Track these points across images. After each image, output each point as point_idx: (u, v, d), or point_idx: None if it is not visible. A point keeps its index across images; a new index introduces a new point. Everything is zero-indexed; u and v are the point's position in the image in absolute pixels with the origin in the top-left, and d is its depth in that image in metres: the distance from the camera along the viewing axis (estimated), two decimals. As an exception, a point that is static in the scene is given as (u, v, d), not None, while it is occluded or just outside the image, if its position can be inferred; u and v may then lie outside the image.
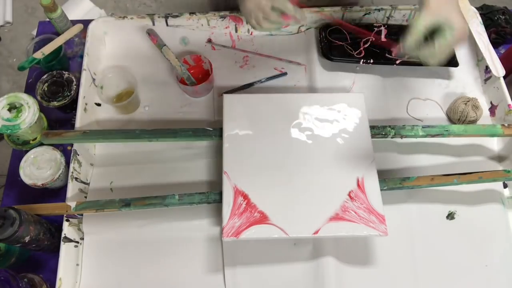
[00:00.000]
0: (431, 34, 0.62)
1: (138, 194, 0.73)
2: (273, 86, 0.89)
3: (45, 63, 0.89)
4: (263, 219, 0.67)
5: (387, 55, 0.92)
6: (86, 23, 0.91)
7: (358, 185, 0.70)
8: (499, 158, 0.85)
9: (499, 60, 0.89)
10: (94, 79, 0.87)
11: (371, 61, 0.89)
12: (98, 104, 0.87)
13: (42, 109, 0.83)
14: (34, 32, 1.61)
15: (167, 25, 0.92)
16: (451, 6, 0.61)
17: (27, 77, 0.94)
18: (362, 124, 0.76)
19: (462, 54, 0.95)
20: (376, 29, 0.94)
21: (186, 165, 0.81)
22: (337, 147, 0.74)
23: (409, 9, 0.94)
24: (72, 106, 0.85)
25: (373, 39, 0.91)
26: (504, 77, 0.87)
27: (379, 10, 0.93)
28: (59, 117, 0.89)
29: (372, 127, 0.78)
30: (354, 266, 0.74)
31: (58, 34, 0.92)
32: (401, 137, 0.79)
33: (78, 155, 0.77)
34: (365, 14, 0.94)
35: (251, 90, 0.89)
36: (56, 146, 0.80)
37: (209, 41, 0.95)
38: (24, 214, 0.63)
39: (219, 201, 0.70)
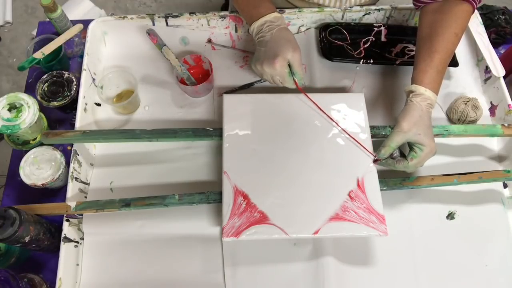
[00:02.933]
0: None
1: (138, 194, 0.73)
2: (273, 86, 0.89)
3: (45, 63, 0.89)
4: (263, 219, 0.67)
5: (387, 55, 0.92)
6: (86, 23, 0.91)
7: (358, 185, 0.70)
8: (499, 158, 0.85)
9: (499, 60, 0.89)
10: (94, 79, 0.87)
11: (371, 61, 0.89)
12: (98, 104, 0.87)
13: (42, 109, 0.83)
14: (34, 32, 1.61)
15: (167, 25, 0.92)
16: (421, 128, 0.69)
17: (27, 77, 0.94)
18: (362, 124, 0.76)
19: (462, 54, 0.95)
20: (376, 29, 0.94)
21: (186, 165, 0.81)
22: (337, 147, 0.74)
23: (409, 9, 0.94)
24: (72, 106, 0.85)
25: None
26: (504, 77, 0.87)
27: (379, 10, 0.93)
28: (59, 117, 0.89)
29: (372, 127, 0.78)
30: (354, 266, 0.74)
31: (58, 34, 0.92)
32: (401, 137, 0.79)
33: (78, 155, 0.77)
34: (365, 14, 0.94)
35: (251, 90, 0.89)
36: (56, 146, 0.80)
37: (209, 41, 0.95)
38: (24, 214, 0.63)
39: (219, 201, 0.70)
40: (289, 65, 0.76)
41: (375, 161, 0.73)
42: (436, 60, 0.72)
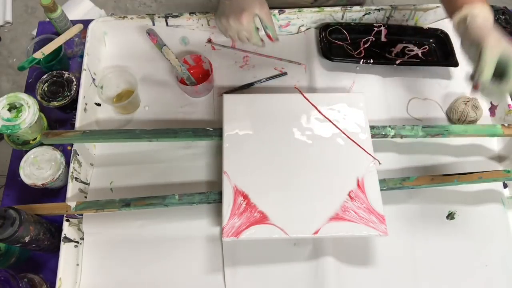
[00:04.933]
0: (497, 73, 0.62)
1: (138, 194, 0.73)
2: (273, 86, 0.89)
3: (45, 63, 0.89)
4: (263, 219, 0.67)
5: (387, 55, 0.92)
6: (86, 23, 0.91)
7: (358, 185, 0.70)
8: (499, 158, 0.85)
9: (499, 60, 0.89)
10: (94, 79, 0.87)
11: (371, 61, 0.89)
12: (98, 104, 0.87)
13: (42, 109, 0.83)
14: (34, 32, 1.61)
15: (167, 25, 0.92)
16: (506, 42, 0.61)
17: (27, 77, 0.94)
18: (362, 124, 0.76)
19: (462, 54, 0.94)
20: (376, 29, 0.94)
21: (186, 165, 0.81)
22: (337, 147, 0.74)
23: (409, 9, 0.94)
24: (72, 106, 0.85)
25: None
26: (504, 77, 0.87)
27: (379, 10, 0.93)
28: (59, 117, 0.89)
29: (372, 127, 0.78)
30: (354, 266, 0.74)
31: (58, 34, 0.92)
32: (401, 137, 0.79)
33: (78, 155, 0.77)
34: (365, 14, 0.94)
35: (251, 90, 0.89)
36: (56, 146, 0.80)
37: (209, 41, 0.95)
38: (24, 214, 0.63)
39: (219, 201, 0.70)
40: (256, 22, 0.74)
41: (474, 87, 0.62)
42: None
